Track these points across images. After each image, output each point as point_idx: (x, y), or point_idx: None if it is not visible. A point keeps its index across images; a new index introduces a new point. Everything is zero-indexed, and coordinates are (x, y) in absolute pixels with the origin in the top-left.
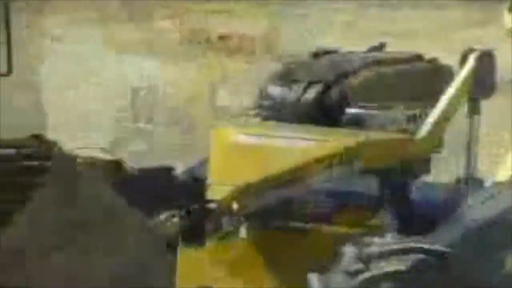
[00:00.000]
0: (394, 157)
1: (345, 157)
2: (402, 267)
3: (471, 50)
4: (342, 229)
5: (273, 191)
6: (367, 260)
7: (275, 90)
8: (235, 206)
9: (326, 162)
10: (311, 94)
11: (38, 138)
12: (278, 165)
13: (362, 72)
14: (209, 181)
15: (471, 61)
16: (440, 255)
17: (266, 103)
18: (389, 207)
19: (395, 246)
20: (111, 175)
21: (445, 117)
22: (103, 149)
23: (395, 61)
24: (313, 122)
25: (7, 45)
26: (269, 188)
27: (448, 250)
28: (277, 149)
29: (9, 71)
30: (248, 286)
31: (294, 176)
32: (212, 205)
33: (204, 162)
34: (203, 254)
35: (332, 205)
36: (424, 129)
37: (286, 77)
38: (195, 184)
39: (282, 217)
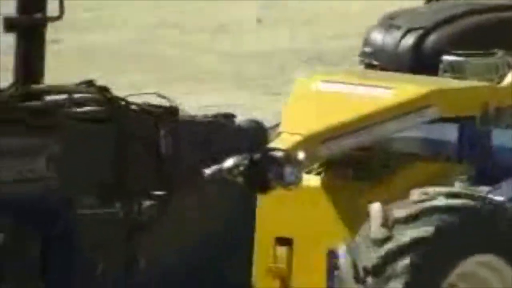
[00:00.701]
0: (474, 105)
1: (420, 105)
2: (428, 232)
3: None
4: (418, 178)
5: (344, 139)
6: (393, 225)
7: (376, 37)
8: (301, 155)
9: (400, 110)
10: (409, 40)
11: (90, 84)
12: (352, 114)
13: (463, 20)
14: (280, 129)
15: None
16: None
17: (367, 50)
18: (468, 157)
19: (425, 205)
20: (166, 122)
21: None
22: (159, 95)
23: (496, 8)
24: (410, 69)
25: None
26: (340, 137)
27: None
28: (354, 98)
29: (61, 14)
30: (321, 237)
31: (366, 124)
32: (277, 154)
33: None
34: (279, 204)
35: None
36: (509, 78)
37: (387, 24)
38: (259, 132)
39: (355, 166)
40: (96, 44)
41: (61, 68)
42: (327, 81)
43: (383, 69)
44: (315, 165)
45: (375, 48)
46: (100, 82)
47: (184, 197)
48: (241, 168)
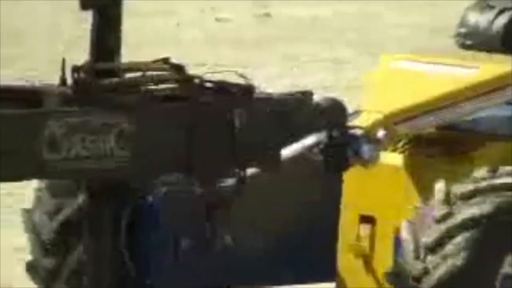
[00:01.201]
0: None
1: (502, 84)
2: (488, 210)
3: None
4: (500, 158)
5: (424, 118)
6: (454, 202)
7: (471, 17)
8: (381, 133)
9: (481, 89)
10: (502, 20)
11: (165, 61)
12: (434, 93)
13: None
14: (361, 107)
15: None
16: None
17: (462, 30)
18: None
19: (489, 183)
20: (242, 99)
21: None
22: (237, 73)
23: None
24: (503, 49)
25: None
26: (420, 116)
27: None
28: (437, 77)
29: None
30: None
31: (446, 103)
32: (356, 132)
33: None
34: (363, 182)
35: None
36: None
37: (483, 5)
38: (338, 110)
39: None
40: None
41: None
42: (411, 60)
43: (477, 49)
44: (400, 144)
45: (469, 28)
46: None
47: (267, 175)
48: (321, 146)
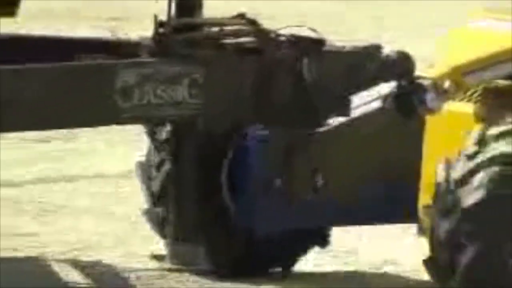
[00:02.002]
0: None
1: None
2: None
3: None
4: None
5: (487, 71)
6: (484, 142)
7: None
8: (447, 84)
9: None
10: None
11: (242, 17)
12: (497, 48)
13: None
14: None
15: None
16: None
17: None
18: None
19: None
20: (312, 52)
21: None
22: (311, 29)
23: None
24: None
25: None
26: (483, 68)
27: None
28: (504, 33)
29: None
30: None
31: (507, 57)
32: (424, 82)
33: None
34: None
35: None
36: None
37: None
38: (406, 62)
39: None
40: None
41: None
42: (484, 18)
43: None
44: (470, 94)
45: None
46: None
47: (354, 125)
48: (391, 94)
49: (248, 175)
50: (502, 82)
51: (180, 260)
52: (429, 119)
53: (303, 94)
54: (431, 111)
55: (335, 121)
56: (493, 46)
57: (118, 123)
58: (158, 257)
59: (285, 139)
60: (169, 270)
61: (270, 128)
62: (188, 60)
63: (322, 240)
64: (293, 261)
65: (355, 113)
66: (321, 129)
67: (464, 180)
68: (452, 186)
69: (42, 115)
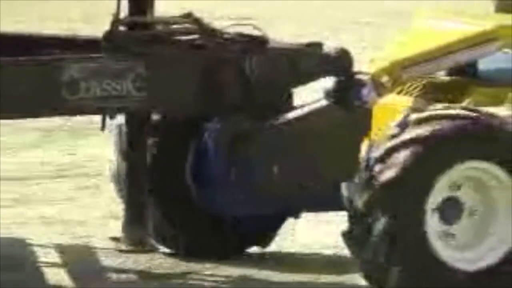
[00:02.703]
0: None
1: (488, 37)
2: (426, 132)
3: None
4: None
5: (423, 66)
6: (404, 126)
7: None
8: (385, 78)
9: (468, 42)
10: None
11: (188, 16)
12: (433, 45)
13: None
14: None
15: None
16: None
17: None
18: None
19: (439, 112)
20: (254, 49)
21: None
22: (256, 27)
23: None
24: None
25: None
26: (419, 63)
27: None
28: (442, 32)
29: None
30: None
31: (440, 53)
32: (362, 77)
33: None
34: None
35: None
36: None
37: None
38: (345, 58)
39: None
40: None
41: None
42: (429, 18)
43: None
44: (408, 87)
45: None
46: None
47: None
48: (329, 88)
49: (207, 165)
50: (442, 78)
51: (133, 242)
52: (374, 112)
53: (245, 88)
54: (367, 104)
55: (288, 115)
56: (432, 43)
57: (64, 114)
58: (115, 239)
59: (238, 131)
60: (122, 251)
61: (224, 121)
62: (134, 56)
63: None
64: (268, 240)
65: (307, 108)
66: (274, 122)
67: (382, 158)
68: (371, 163)
69: None
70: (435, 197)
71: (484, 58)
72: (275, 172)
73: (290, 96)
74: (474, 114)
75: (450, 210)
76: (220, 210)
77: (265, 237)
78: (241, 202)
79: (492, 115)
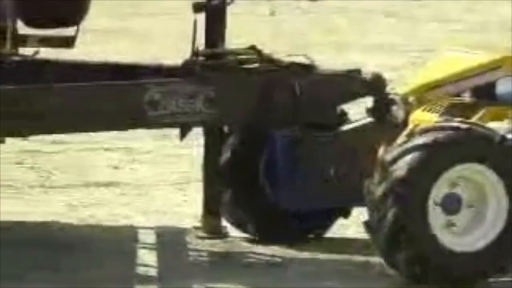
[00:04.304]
0: None
1: (495, 65)
2: (428, 140)
3: None
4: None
5: (444, 88)
6: (411, 135)
7: None
8: (411, 98)
9: (481, 68)
10: None
11: (252, 47)
12: (452, 71)
13: None
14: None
15: None
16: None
17: None
18: None
19: (440, 124)
20: (301, 75)
21: None
22: (306, 56)
23: None
24: None
25: None
26: (441, 86)
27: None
28: (462, 61)
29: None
30: None
31: (457, 78)
32: (394, 97)
33: None
34: None
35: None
36: None
37: None
38: (380, 82)
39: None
40: None
41: None
42: (452, 50)
43: None
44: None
45: None
46: None
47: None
48: (370, 107)
49: (277, 166)
50: (459, 98)
51: (209, 230)
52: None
53: (295, 106)
54: (397, 120)
55: (343, 128)
56: (451, 70)
57: (148, 127)
58: (196, 228)
59: (302, 139)
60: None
61: (292, 131)
62: (205, 80)
63: (345, 213)
64: (325, 229)
65: (357, 123)
66: (332, 133)
67: (394, 160)
68: (386, 164)
69: (83, 121)
70: (438, 193)
71: (502, 83)
72: (331, 174)
73: (345, 113)
74: (468, 126)
75: (451, 203)
76: (286, 204)
77: (321, 228)
78: (303, 198)
79: (483, 127)
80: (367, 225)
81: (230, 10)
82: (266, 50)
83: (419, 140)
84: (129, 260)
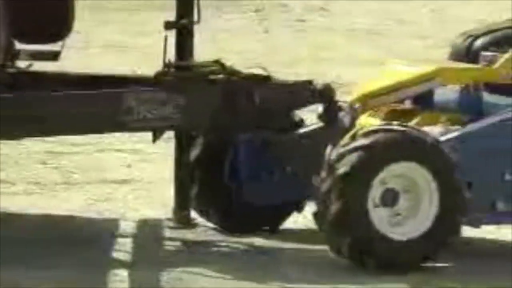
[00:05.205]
0: (471, 79)
1: (429, 76)
2: (367, 141)
3: None
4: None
5: (384, 97)
6: (354, 137)
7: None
8: (357, 105)
9: (417, 80)
10: (466, 42)
11: (216, 61)
12: (392, 81)
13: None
14: (355, 89)
15: None
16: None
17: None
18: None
19: (382, 127)
20: (259, 84)
21: None
22: (264, 69)
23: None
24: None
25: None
26: (382, 95)
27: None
28: (402, 73)
29: (198, 20)
30: None
31: (397, 87)
32: (342, 104)
33: None
34: None
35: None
36: (500, 61)
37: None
38: (329, 91)
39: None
40: None
41: None
42: (396, 63)
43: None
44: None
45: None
46: None
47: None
48: (320, 113)
49: (241, 165)
50: (401, 105)
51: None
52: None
53: (255, 111)
54: (343, 123)
55: (299, 131)
56: (391, 80)
57: (125, 131)
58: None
59: (260, 141)
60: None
61: (249, 134)
62: (174, 89)
63: (299, 207)
64: (280, 222)
65: (310, 127)
66: (286, 136)
67: (338, 159)
68: (331, 162)
69: (71, 125)
70: (377, 188)
71: (438, 92)
72: (289, 171)
73: (302, 120)
74: (405, 129)
75: (389, 197)
76: (250, 198)
77: (277, 220)
78: (264, 193)
79: (418, 130)
80: (315, 216)
81: (230, 28)
82: (262, 63)
83: (361, 142)
84: (106, 248)
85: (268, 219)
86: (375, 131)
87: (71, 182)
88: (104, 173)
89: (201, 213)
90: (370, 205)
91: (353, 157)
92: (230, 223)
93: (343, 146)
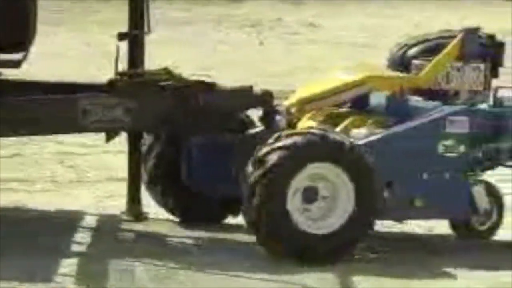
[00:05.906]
0: (397, 85)
1: (359, 83)
2: (289, 142)
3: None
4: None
5: (319, 101)
6: (278, 138)
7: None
8: (293, 109)
9: (348, 86)
10: (400, 51)
11: (165, 69)
12: (328, 87)
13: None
14: (292, 95)
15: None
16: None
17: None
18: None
19: (305, 130)
20: (202, 90)
21: (438, 63)
22: (208, 76)
23: (443, 37)
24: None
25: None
26: (317, 100)
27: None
28: (338, 80)
29: (149, 30)
30: None
31: (331, 93)
32: (280, 108)
33: None
34: None
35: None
36: (425, 69)
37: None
38: (268, 97)
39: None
40: None
41: None
42: (336, 72)
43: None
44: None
45: (390, 54)
46: None
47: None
48: (260, 116)
49: (192, 165)
50: (336, 109)
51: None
52: None
53: (200, 114)
54: (279, 126)
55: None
56: (326, 86)
57: (81, 132)
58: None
59: (209, 142)
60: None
61: (200, 136)
62: (125, 94)
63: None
64: (225, 216)
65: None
66: (235, 139)
67: (263, 156)
68: (257, 159)
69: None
70: (297, 185)
71: (373, 96)
72: (235, 168)
73: (252, 122)
74: (325, 132)
75: (309, 194)
76: (207, 192)
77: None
78: (217, 188)
79: (337, 133)
80: (242, 208)
81: (229, 41)
82: (259, 72)
83: (283, 142)
84: (65, 239)
85: (221, 213)
86: (296, 133)
87: (86, 180)
88: (110, 171)
89: (166, 209)
90: (289, 201)
91: (276, 156)
92: (191, 217)
93: (268, 145)
